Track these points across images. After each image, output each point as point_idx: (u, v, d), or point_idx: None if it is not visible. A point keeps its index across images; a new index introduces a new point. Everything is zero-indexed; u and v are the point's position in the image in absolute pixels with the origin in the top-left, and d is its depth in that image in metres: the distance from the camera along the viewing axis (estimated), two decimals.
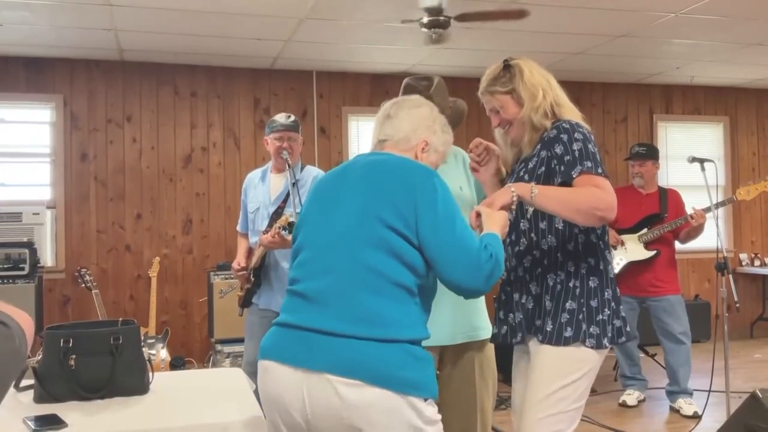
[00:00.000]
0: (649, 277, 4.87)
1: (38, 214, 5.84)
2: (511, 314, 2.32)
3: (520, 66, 2.29)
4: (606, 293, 2.22)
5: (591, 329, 2.17)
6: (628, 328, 2.26)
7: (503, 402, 5.06)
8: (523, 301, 2.28)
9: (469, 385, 2.60)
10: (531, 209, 2.24)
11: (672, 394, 4.91)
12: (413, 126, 2.05)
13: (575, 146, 2.17)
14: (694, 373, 4.91)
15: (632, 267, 4.88)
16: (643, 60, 6.59)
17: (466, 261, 1.81)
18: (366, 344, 1.74)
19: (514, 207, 2.13)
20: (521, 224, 2.29)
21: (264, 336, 1.93)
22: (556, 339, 2.17)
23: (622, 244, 4.89)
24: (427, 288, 1.89)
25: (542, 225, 2.25)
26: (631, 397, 5.02)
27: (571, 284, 2.20)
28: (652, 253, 4.85)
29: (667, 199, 4.98)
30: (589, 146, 2.18)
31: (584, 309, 2.18)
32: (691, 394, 4.84)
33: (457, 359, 2.58)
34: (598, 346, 2.18)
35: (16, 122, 6.20)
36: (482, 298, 2.73)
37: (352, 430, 1.72)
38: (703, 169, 4.13)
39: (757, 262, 7.82)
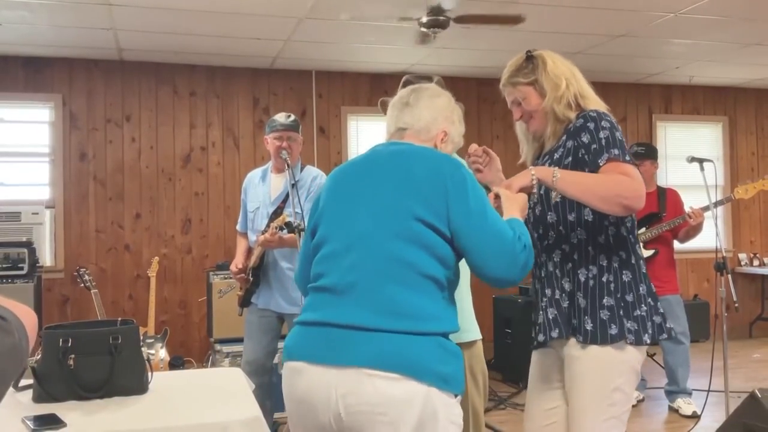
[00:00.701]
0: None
1: (37, 213, 5.83)
2: (541, 312, 2.22)
3: (543, 57, 2.24)
4: (641, 288, 2.15)
5: (629, 324, 2.09)
6: (668, 325, 2.17)
7: (502, 402, 5.06)
8: (557, 297, 2.18)
9: None
10: (554, 197, 2.17)
11: (671, 394, 4.91)
12: (433, 116, 2.00)
13: (602, 134, 2.10)
14: (693, 373, 4.91)
15: None
16: (643, 60, 6.59)
17: (502, 252, 1.78)
18: (402, 338, 1.71)
19: (535, 191, 2.07)
20: (548, 217, 2.21)
21: (288, 336, 1.89)
22: (601, 338, 2.08)
23: None
24: (454, 281, 1.87)
25: (571, 217, 2.17)
26: None
27: (604, 279, 2.12)
28: (651, 252, 4.82)
29: (666, 198, 4.94)
30: (617, 134, 2.12)
31: (621, 304, 2.11)
32: (690, 394, 4.84)
33: None
34: (638, 342, 2.09)
35: (15, 122, 6.20)
36: (470, 301, 2.74)
37: (386, 427, 1.68)
38: (702, 168, 4.13)
39: (756, 262, 7.82)
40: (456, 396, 1.76)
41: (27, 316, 1.16)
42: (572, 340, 2.13)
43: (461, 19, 4.68)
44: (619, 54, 6.33)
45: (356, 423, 1.71)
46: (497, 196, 2.01)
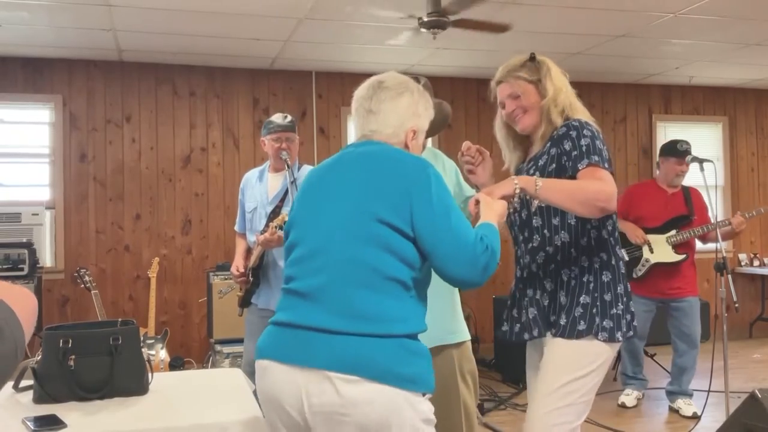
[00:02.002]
0: (673, 281, 4.73)
1: (37, 214, 5.83)
2: (524, 311, 2.34)
3: (547, 63, 2.36)
4: (618, 288, 2.27)
5: (605, 323, 2.21)
6: (635, 323, 2.30)
7: (503, 402, 5.06)
8: (537, 296, 2.31)
9: (450, 386, 2.61)
10: (535, 204, 2.26)
11: (672, 394, 4.90)
12: (399, 120, 1.97)
13: (583, 141, 2.20)
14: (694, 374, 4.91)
15: (656, 269, 4.73)
16: (642, 60, 6.59)
17: (463, 254, 1.80)
18: (363, 340, 1.74)
19: (516, 199, 2.12)
20: (534, 221, 2.32)
21: (261, 336, 1.92)
22: (569, 332, 2.21)
23: (648, 243, 4.72)
24: (422, 280, 1.88)
25: (555, 221, 2.28)
26: (629, 397, 4.98)
27: (584, 279, 2.25)
28: (682, 256, 4.70)
29: (692, 198, 4.82)
30: (597, 142, 2.21)
31: (598, 303, 2.22)
32: (690, 395, 4.84)
33: (436, 361, 2.58)
34: (611, 339, 2.21)
35: (14, 122, 6.20)
36: (458, 303, 2.75)
37: (350, 426, 1.72)
38: (702, 169, 4.12)
39: (756, 262, 7.82)
40: (424, 395, 1.78)
41: (25, 300, 1.10)
42: (548, 334, 2.28)
43: (458, 24, 4.69)
44: (618, 54, 6.33)
45: (321, 422, 1.75)
46: (478, 202, 2.04)
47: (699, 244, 4.92)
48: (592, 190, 2.12)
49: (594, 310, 2.21)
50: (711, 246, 4.49)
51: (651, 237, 4.74)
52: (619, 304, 2.25)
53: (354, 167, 1.92)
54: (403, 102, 1.98)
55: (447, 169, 2.74)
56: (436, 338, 2.57)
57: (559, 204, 2.14)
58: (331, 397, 1.72)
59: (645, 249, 4.73)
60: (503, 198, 2.07)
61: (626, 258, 4.76)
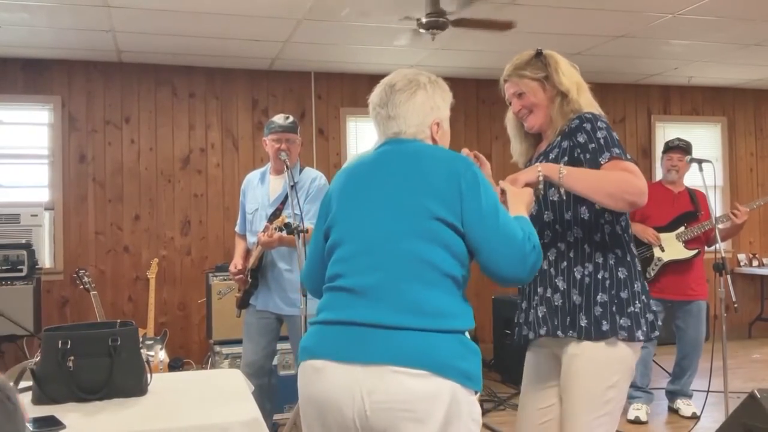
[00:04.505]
0: (686, 279, 4.67)
1: (36, 215, 5.83)
2: (532, 310, 2.25)
3: (555, 57, 2.29)
4: (635, 285, 2.18)
5: (622, 321, 2.12)
6: (659, 322, 2.23)
7: (502, 403, 5.06)
8: (548, 295, 2.20)
9: None
10: (556, 197, 2.19)
11: (672, 394, 4.90)
12: (420, 118, 1.96)
13: (599, 134, 2.14)
14: None
15: (669, 268, 4.65)
16: (641, 60, 6.60)
17: (513, 252, 1.79)
18: (425, 335, 1.72)
19: (541, 187, 2.08)
20: (545, 216, 2.23)
21: (304, 337, 1.88)
22: (595, 334, 2.11)
23: (660, 242, 4.64)
24: (468, 278, 1.88)
25: (567, 216, 2.20)
26: (641, 411, 4.68)
27: (600, 276, 2.15)
28: (694, 251, 4.64)
29: (698, 198, 4.80)
30: (614, 134, 2.16)
31: (615, 301, 2.14)
32: (690, 396, 4.83)
33: None
34: (630, 338, 2.12)
35: (14, 124, 6.19)
36: None
37: (411, 423, 1.68)
38: (701, 169, 4.12)
39: (755, 263, 7.83)
40: (476, 393, 1.77)
41: None
42: (569, 338, 2.16)
43: (459, 23, 4.68)
44: (618, 55, 6.34)
45: (382, 420, 1.70)
46: (503, 192, 2.01)
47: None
48: (623, 181, 2.04)
49: (613, 308, 2.12)
50: (711, 246, 4.49)
51: (661, 235, 4.67)
52: (637, 302, 2.16)
53: (396, 165, 1.90)
54: (418, 100, 1.97)
55: None
56: None
57: (585, 193, 2.06)
58: (395, 393, 1.68)
59: (656, 248, 4.67)
60: (527, 185, 2.04)
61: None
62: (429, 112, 1.98)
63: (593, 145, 2.13)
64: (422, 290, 1.76)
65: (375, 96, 2.02)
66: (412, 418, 1.68)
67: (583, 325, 2.13)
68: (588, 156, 2.13)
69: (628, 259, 2.19)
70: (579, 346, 2.14)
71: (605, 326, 2.11)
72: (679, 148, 4.80)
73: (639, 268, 2.22)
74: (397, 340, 1.71)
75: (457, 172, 1.83)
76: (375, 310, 1.75)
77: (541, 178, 2.06)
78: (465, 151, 2.37)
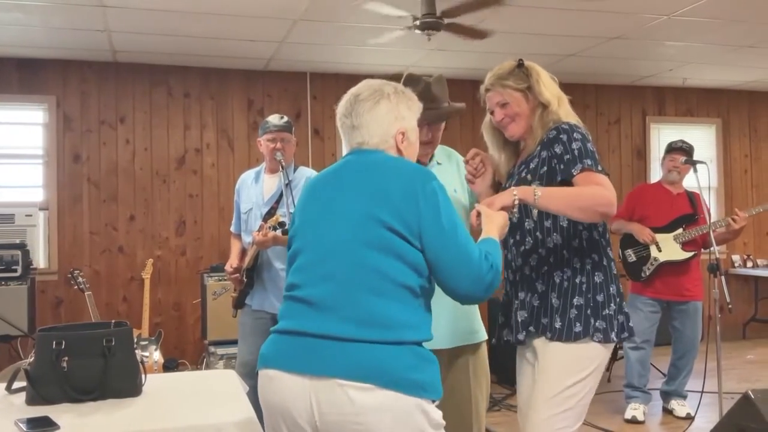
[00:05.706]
0: (682, 281, 4.68)
1: (31, 215, 5.83)
2: (514, 314, 2.35)
3: (536, 69, 2.36)
4: (611, 288, 2.28)
5: (597, 323, 2.22)
6: (630, 323, 2.31)
7: (497, 403, 5.07)
8: (528, 299, 2.31)
9: (463, 387, 2.60)
10: (535, 213, 2.29)
11: (666, 395, 4.91)
12: (383, 128, 1.96)
13: (574, 145, 2.22)
14: None
15: (664, 268, 4.67)
16: (636, 62, 6.61)
17: (468, 271, 1.81)
18: (375, 347, 1.73)
19: (515, 210, 2.16)
20: (526, 223, 2.33)
21: (264, 344, 1.90)
22: (566, 335, 2.21)
23: (656, 242, 4.66)
24: (429, 289, 1.88)
25: (547, 223, 2.29)
26: (638, 411, 4.72)
27: (577, 280, 2.25)
28: (691, 253, 4.65)
29: (696, 201, 4.80)
30: (588, 145, 2.24)
31: (591, 304, 2.23)
32: (685, 397, 4.85)
33: (452, 362, 2.58)
34: (606, 340, 2.22)
35: (8, 123, 6.17)
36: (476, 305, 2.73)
37: None
38: (695, 170, 4.14)
39: (749, 264, 7.85)
40: (433, 402, 1.78)
41: None
42: (544, 339, 2.27)
43: (448, 13, 4.67)
44: (612, 56, 6.35)
45: (333, 431, 1.73)
46: (479, 214, 2.06)
47: None
48: (592, 195, 2.14)
49: (588, 312, 2.22)
50: (707, 249, 4.49)
51: (658, 236, 4.68)
52: (612, 304, 2.26)
53: (358, 176, 1.91)
54: (381, 110, 1.97)
55: (461, 168, 2.74)
56: (459, 338, 2.57)
57: (559, 211, 2.18)
58: (343, 406, 1.70)
59: (653, 248, 4.68)
60: (503, 209, 2.10)
61: (633, 258, 4.76)
62: (393, 121, 1.97)
63: (568, 156, 2.22)
64: (374, 300, 1.77)
65: (341, 106, 2.03)
66: (361, 430, 1.70)
67: (557, 326, 2.23)
68: (562, 166, 2.22)
69: (605, 263, 2.30)
70: (551, 345, 2.24)
71: (578, 328, 2.21)
72: (683, 150, 4.78)
73: (615, 272, 2.32)
74: (346, 353, 1.73)
75: (415, 189, 1.83)
76: (326, 322, 1.77)
77: (516, 202, 2.13)
78: (472, 153, 2.42)
